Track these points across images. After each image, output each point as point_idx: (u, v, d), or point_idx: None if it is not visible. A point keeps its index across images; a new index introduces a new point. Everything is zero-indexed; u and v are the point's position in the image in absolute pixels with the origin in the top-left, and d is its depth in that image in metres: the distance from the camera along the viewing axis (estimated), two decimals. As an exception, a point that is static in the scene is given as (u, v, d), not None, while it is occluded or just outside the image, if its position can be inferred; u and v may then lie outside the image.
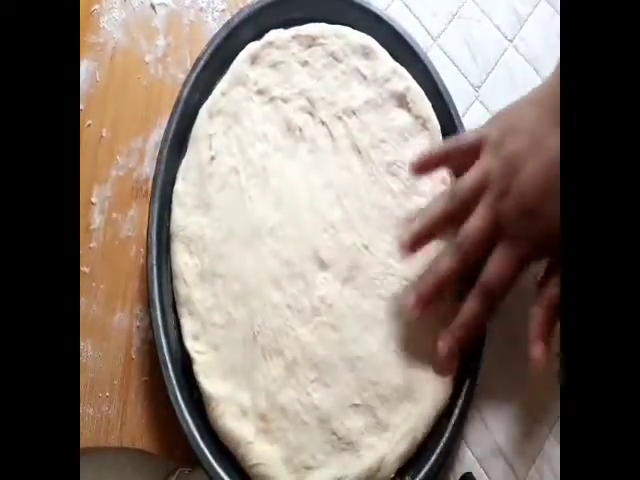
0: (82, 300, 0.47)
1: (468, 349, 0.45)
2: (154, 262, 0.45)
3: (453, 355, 0.43)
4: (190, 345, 0.43)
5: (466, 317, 0.43)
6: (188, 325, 0.44)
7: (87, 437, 0.44)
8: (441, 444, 0.45)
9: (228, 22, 0.51)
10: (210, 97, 0.50)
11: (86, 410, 0.45)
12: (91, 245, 0.49)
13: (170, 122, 0.48)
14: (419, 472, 0.44)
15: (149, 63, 0.53)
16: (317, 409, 0.43)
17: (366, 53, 0.52)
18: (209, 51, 0.50)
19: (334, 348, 0.45)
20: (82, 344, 0.46)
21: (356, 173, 0.49)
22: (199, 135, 0.48)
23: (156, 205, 0.46)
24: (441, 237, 0.45)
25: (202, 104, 0.49)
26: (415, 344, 0.46)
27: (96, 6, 0.54)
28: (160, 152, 0.47)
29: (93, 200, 0.50)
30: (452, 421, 0.45)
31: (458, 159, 0.45)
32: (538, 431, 0.48)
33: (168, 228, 0.46)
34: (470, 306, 0.43)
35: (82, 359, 0.46)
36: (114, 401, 0.45)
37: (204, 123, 0.49)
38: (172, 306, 0.45)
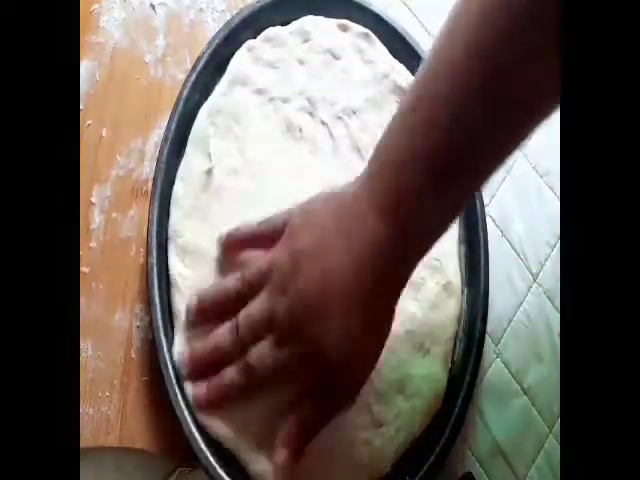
0: (82, 300, 0.47)
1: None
2: (154, 262, 0.45)
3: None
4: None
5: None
6: (178, 341, 0.44)
7: (87, 437, 0.44)
8: (441, 444, 0.45)
9: (228, 22, 0.51)
10: (210, 97, 0.50)
11: (86, 410, 0.45)
12: (91, 245, 0.49)
13: (170, 122, 0.48)
14: (419, 472, 0.44)
15: (149, 63, 0.53)
16: None
17: (367, 39, 0.52)
18: (209, 51, 0.50)
19: None
20: (82, 344, 0.46)
21: (357, 173, 0.49)
22: (199, 136, 0.48)
23: (156, 205, 0.46)
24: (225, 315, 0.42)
25: (202, 104, 0.49)
26: (411, 341, 0.46)
27: (96, 6, 0.54)
28: (160, 152, 0.47)
29: (93, 200, 0.50)
30: (452, 421, 0.45)
31: (266, 241, 0.43)
32: (538, 431, 0.48)
33: (167, 229, 0.46)
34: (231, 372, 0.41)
35: (82, 359, 0.46)
36: (114, 401, 0.45)
37: (204, 124, 0.49)
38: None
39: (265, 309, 0.40)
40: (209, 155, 0.48)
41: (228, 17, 0.53)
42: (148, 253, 0.45)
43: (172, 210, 0.46)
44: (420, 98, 0.36)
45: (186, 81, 0.49)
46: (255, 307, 0.40)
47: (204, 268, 0.45)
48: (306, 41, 0.52)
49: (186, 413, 0.42)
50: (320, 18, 0.52)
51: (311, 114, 0.50)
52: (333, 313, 0.38)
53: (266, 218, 0.44)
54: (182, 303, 0.44)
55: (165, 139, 0.48)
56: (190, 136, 0.48)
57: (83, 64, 0.52)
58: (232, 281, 0.42)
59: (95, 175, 0.50)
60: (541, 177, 0.53)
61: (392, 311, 0.39)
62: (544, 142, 0.54)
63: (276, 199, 0.47)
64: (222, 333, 0.41)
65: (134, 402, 0.45)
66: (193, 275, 0.45)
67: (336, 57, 0.52)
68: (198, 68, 0.49)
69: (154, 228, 0.45)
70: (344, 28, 0.52)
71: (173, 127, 0.48)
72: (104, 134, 0.51)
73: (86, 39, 0.53)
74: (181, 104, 0.48)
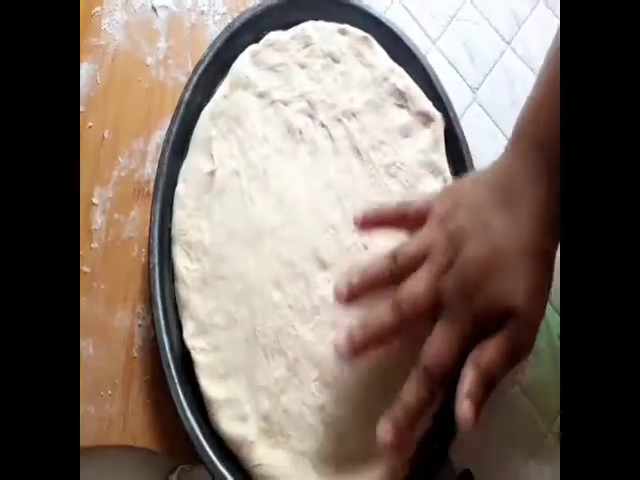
0: (84, 300, 0.47)
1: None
2: (156, 262, 0.45)
3: (398, 446, 0.38)
4: (191, 346, 0.44)
5: (407, 402, 0.39)
6: (189, 327, 0.44)
7: (89, 436, 0.44)
8: (441, 444, 0.44)
9: (229, 25, 0.52)
10: (212, 100, 0.50)
11: (88, 409, 0.45)
12: (93, 246, 0.49)
13: (172, 124, 0.48)
14: (419, 472, 0.44)
15: (150, 66, 0.54)
16: (322, 410, 0.43)
17: (366, 43, 0.52)
18: (210, 54, 0.50)
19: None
20: (84, 343, 0.46)
21: (356, 174, 0.49)
22: (200, 137, 0.49)
23: (158, 207, 0.46)
24: (377, 296, 0.42)
25: (203, 106, 0.50)
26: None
27: (97, 8, 0.55)
28: (162, 154, 0.48)
29: (95, 201, 0.50)
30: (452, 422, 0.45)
31: (403, 222, 0.44)
32: (538, 431, 0.48)
33: (170, 229, 0.47)
34: (411, 390, 0.39)
35: (84, 358, 0.46)
36: (116, 400, 0.45)
37: (206, 125, 0.49)
38: (174, 305, 0.45)
39: (429, 287, 0.39)
40: (212, 157, 0.48)
41: (229, 20, 0.54)
42: (150, 253, 0.45)
43: (175, 210, 0.47)
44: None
45: (188, 84, 0.50)
46: (417, 285, 0.40)
47: (208, 262, 0.46)
48: (307, 46, 0.52)
49: (188, 412, 0.42)
50: (321, 23, 0.53)
51: (311, 116, 0.51)
52: (507, 274, 0.39)
53: (404, 200, 0.45)
54: (188, 294, 0.45)
55: (167, 140, 0.48)
56: (192, 138, 0.49)
57: (84, 66, 0.53)
58: (384, 262, 0.42)
59: (97, 176, 0.50)
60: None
61: (555, 253, 0.41)
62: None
63: (277, 200, 0.48)
64: (383, 314, 0.40)
65: (136, 401, 0.45)
66: (198, 268, 0.46)
67: (336, 60, 0.52)
68: (199, 71, 0.50)
69: (156, 228, 0.46)
70: (344, 32, 0.53)
71: (175, 129, 0.48)
72: (106, 135, 0.51)
73: (87, 42, 0.53)
74: (182, 106, 0.49)
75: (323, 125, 0.50)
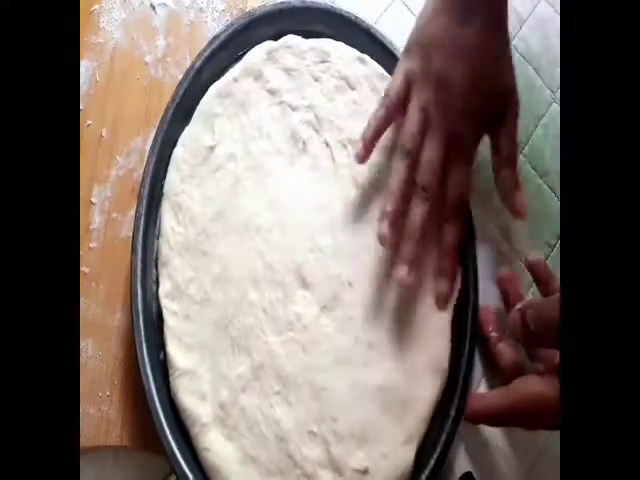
0: (82, 300, 0.47)
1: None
2: (143, 212, 0.46)
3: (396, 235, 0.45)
4: (164, 305, 0.44)
5: (414, 221, 0.45)
6: (166, 286, 0.45)
7: (88, 436, 0.44)
8: (441, 445, 0.44)
9: (249, 13, 0.52)
10: (221, 79, 0.50)
11: (87, 409, 0.45)
12: (91, 245, 0.49)
13: (179, 87, 0.49)
14: (419, 473, 0.44)
15: (149, 63, 0.53)
16: (277, 424, 0.42)
17: (383, 80, 0.51)
18: (228, 32, 0.51)
19: (302, 370, 0.44)
20: (83, 344, 0.46)
21: (353, 206, 0.48)
22: (205, 110, 0.49)
23: (153, 160, 0.47)
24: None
25: (211, 83, 0.51)
26: (382, 397, 0.44)
27: (96, 6, 0.54)
28: (165, 114, 0.48)
29: (93, 200, 0.50)
30: (450, 422, 0.45)
31: (394, 116, 0.48)
32: (538, 431, 0.48)
33: (162, 186, 0.48)
34: (414, 211, 0.45)
35: (83, 359, 0.46)
36: (114, 400, 0.45)
37: (212, 100, 0.50)
38: (155, 265, 0.47)
39: (420, 111, 0.46)
40: (213, 132, 0.49)
41: (228, 17, 0.54)
42: (138, 203, 0.46)
43: (170, 170, 0.48)
44: None
45: (200, 53, 0.50)
46: (411, 119, 0.46)
47: (193, 232, 0.46)
48: (323, 61, 0.51)
49: (150, 376, 0.43)
50: (341, 44, 0.52)
51: (317, 131, 0.50)
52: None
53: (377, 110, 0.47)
54: (170, 254, 0.46)
55: (172, 100, 0.49)
56: (197, 108, 0.50)
57: (83, 64, 0.52)
58: (379, 111, 0.47)
59: (95, 175, 0.50)
60: (541, 177, 0.53)
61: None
62: (543, 143, 0.55)
63: (269, 200, 0.48)
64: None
65: (135, 402, 0.45)
66: (183, 232, 0.46)
67: (351, 87, 0.51)
68: (211, 48, 0.51)
69: (147, 181, 0.47)
70: (363, 61, 0.52)
71: (181, 93, 0.49)
72: (104, 134, 0.51)
73: (86, 39, 0.53)
74: (190, 76, 0.50)
75: (327, 144, 0.49)
